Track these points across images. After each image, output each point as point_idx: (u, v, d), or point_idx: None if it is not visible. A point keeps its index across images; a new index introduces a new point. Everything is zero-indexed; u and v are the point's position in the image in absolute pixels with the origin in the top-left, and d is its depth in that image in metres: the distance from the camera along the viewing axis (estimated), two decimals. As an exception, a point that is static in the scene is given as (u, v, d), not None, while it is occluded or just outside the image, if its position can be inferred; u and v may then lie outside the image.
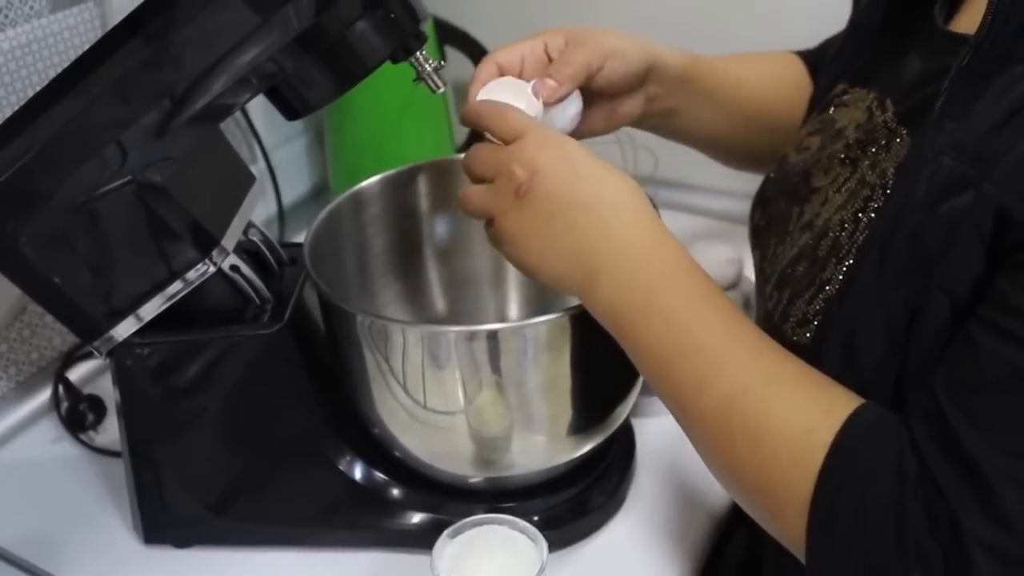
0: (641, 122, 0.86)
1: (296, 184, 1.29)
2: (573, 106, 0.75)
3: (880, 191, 0.63)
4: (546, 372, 0.71)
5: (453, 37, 1.22)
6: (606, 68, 0.77)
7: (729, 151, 0.95)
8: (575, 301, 0.86)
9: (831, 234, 0.66)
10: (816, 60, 0.94)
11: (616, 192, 0.64)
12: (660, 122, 0.87)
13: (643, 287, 0.62)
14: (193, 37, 0.66)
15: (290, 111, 0.71)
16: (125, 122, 0.68)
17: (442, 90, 0.74)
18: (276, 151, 1.20)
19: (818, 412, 0.56)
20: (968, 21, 0.66)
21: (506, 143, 0.67)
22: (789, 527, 0.56)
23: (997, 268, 0.52)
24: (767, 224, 0.78)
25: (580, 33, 0.78)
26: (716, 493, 0.85)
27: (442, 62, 0.74)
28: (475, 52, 1.23)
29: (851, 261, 0.63)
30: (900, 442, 0.54)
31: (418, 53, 0.72)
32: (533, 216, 0.64)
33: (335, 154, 1.24)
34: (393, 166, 1.20)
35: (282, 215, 1.17)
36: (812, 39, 0.95)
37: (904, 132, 0.64)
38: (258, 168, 1.18)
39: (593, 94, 0.79)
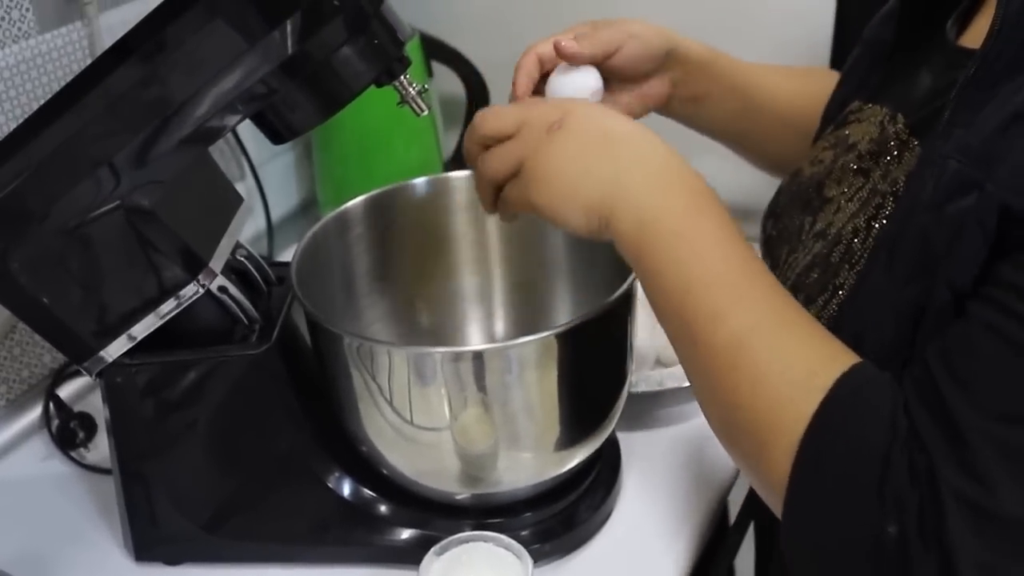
0: (670, 109, 0.89)
1: (284, 199, 1.29)
2: (592, 78, 0.78)
3: (891, 198, 0.65)
4: (531, 391, 0.72)
5: (440, 53, 1.23)
6: (625, 48, 0.82)
7: (758, 154, 0.97)
8: (560, 318, 0.87)
9: (844, 241, 0.67)
10: None
11: (643, 133, 0.67)
12: (688, 110, 0.90)
13: (677, 212, 0.63)
14: (182, 63, 0.67)
15: (276, 135, 0.72)
16: (115, 146, 0.69)
17: (425, 113, 0.75)
18: (264, 166, 1.21)
19: (822, 357, 0.58)
20: (978, 36, 0.67)
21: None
22: (773, 465, 0.58)
23: (998, 257, 0.54)
24: (779, 235, 0.79)
25: (604, 20, 0.83)
26: (702, 504, 0.86)
27: (426, 85, 0.75)
28: (462, 67, 1.24)
29: (861, 265, 0.65)
30: (896, 400, 0.56)
31: (402, 77, 0.73)
32: (565, 149, 0.65)
33: (323, 169, 1.25)
34: (381, 180, 1.20)
35: (271, 231, 1.18)
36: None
37: (915, 143, 0.67)
38: (246, 184, 1.19)
39: (620, 79, 0.84)
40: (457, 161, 1.31)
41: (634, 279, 0.75)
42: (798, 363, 0.58)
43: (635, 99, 0.86)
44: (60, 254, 0.71)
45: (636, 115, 0.85)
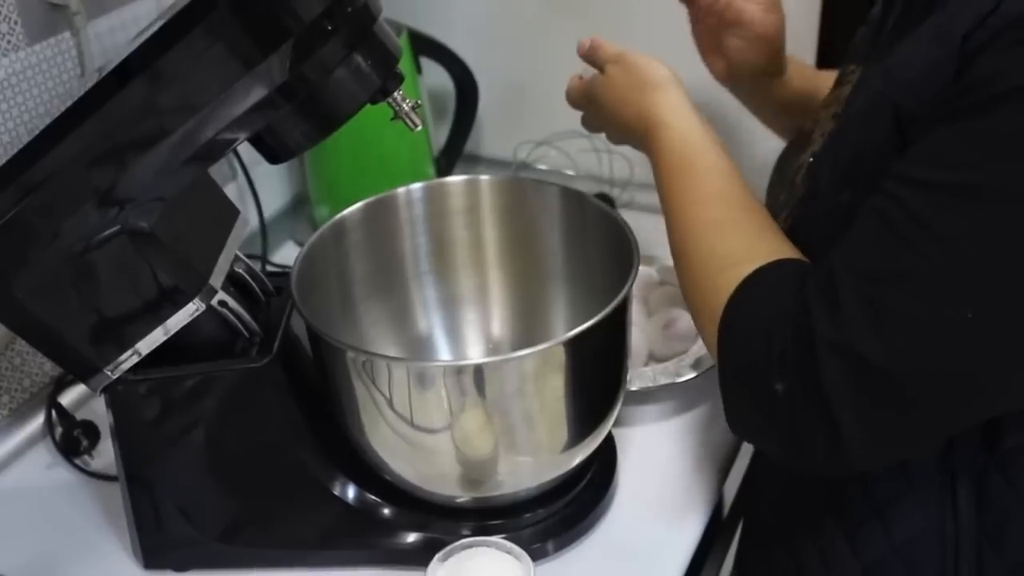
0: (739, 75, 0.97)
1: (276, 197, 1.30)
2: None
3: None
4: (531, 400, 0.74)
5: (428, 48, 1.23)
6: (735, 40, 0.93)
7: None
8: (558, 320, 0.87)
9: (804, 164, 0.77)
10: None
11: (669, 78, 0.82)
12: (757, 82, 0.98)
13: (695, 128, 0.77)
14: (180, 88, 0.67)
15: (273, 156, 0.73)
16: (115, 171, 0.69)
17: (419, 128, 0.76)
18: (256, 165, 1.21)
19: (741, 246, 0.70)
20: None
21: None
22: (703, 331, 0.70)
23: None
24: (779, 181, 0.88)
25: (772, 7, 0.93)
26: (698, 495, 0.88)
27: (419, 101, 0.76)
28: (449, 62, 1.24)
29: (802, 180, 0.75)
30: (798, 282, 0.64)
31: (396, 93, 0.74)
32: (617, 85, 0.84)
33: (314, 165, 1.26)
34: (372, 175, 1.22)
35: (264, 229, 1.18)
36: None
37: None
38: (238, 183, 1.20)
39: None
40: (447, 154, 1.31)
41: (631, 285, 0.76)
42: (716, 252, 0.70)
43: (738, 49, 0.94)
44: (61, 276, 0.72)
45: (731, 65, 0.96)
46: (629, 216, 1.26)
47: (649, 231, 1.21)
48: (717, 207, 0.73)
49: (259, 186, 1.19)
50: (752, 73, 0.95)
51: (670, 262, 1.09)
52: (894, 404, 0.59)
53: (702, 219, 0.73)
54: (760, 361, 0.63)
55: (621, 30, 1.23)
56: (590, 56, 0.89)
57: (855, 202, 0.63)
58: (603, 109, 0.86)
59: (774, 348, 0.62)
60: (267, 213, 1.22)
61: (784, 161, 0.91)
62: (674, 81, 0.81)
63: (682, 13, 1.19)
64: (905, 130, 0.62)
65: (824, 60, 1.13)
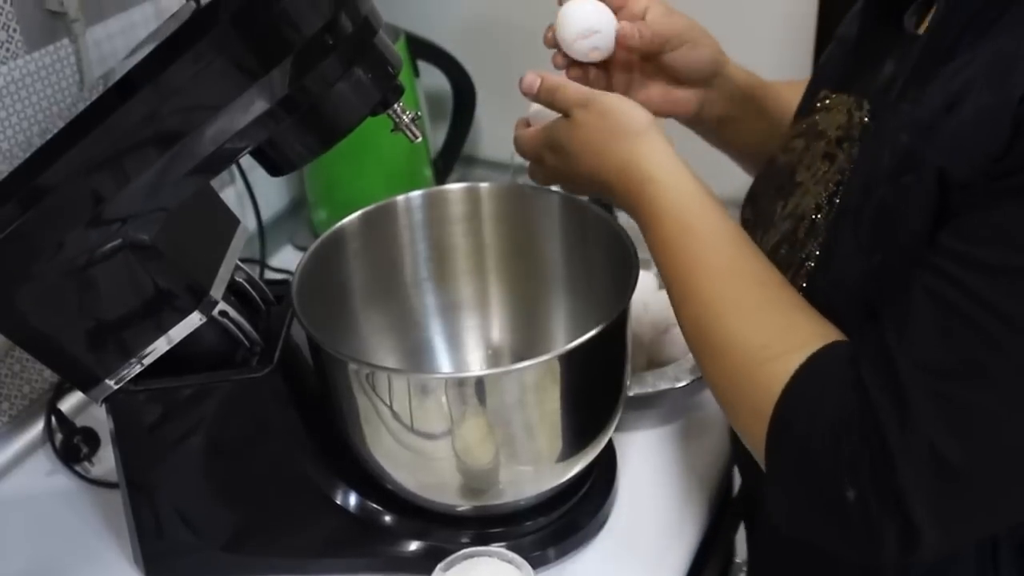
0: (693, 122, 0.91)
1: (274, 201, 1.30)
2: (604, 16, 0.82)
3: (848, 173, 0.70)
4: (532, 411, 0.74)
5: (425, 51, 1.23)
6: (680, 51, 0.85)
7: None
8: (558, 326, 0.86)
9: (807, 218, 0.72)
10: None
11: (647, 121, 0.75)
12: (711, 127, 0.92)
13: (689, 184, 0.72)
14: (183, 101, 0.67)
15: (274, 169, 0.73)
16: (117, 183, 0.69)
17: (419, 140, 0.76)
18: (254, 170, 1.21)
19: (776, 329, 0.64)
20: None
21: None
22: (743, 429, 0.66)
23: (939, 225, 0.58)
24: (754, 219, 0.83)
25: (668, 9, 0.85)
26: (697, 500, 0.89)
27: (418, 113, 0.76)
28: (447, 65, 1.24)
29: (823, 236, 0.70)
30: (853, 373, 0.59)
31: (396, 105, 0.74)
32: (590, 132, 0.76)
33: (312, 169, 1.26)
34: (370, 178, 1.22)
35: (262, 233, 1.19)
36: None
37: (875, 126, 0.70)
38: (236, 188, 1.20)
39: (657, 71, 0.87)
40: (444, 156, 1.31)
41: (631, 296, 0.77)
42: (749, 338, 0.65)
43: (661, 98, 0.88)
44: (63, 288, 0.72)
45: (656, 113, 0.85)
46: (628, 221, 1.27)
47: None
48: (735, 283, 0.68)
49: (257, 190, 1.19)
50: (699, 75, 0.88)
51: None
52: (974, 500, 0.57)
53: (720, 298, 0.67)
54: (826, 467, 0.59)
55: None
56: (548, 98, 0.80)
57: (887, 265, 0.61)
58: (570, 158, 0.77)
59: (842, 453, 0.58)
60: (265, 217, 1.22)
61: (762, 198, 0.83)
62: (655, 127, 0.75)
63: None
64: (951, 195, 0.58)
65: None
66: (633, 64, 0.87)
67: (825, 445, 0.58)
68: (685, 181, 0.71)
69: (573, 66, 0.85)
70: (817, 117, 0.78)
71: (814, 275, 0.69)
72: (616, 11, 0.83)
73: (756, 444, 0.63)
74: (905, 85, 0.65)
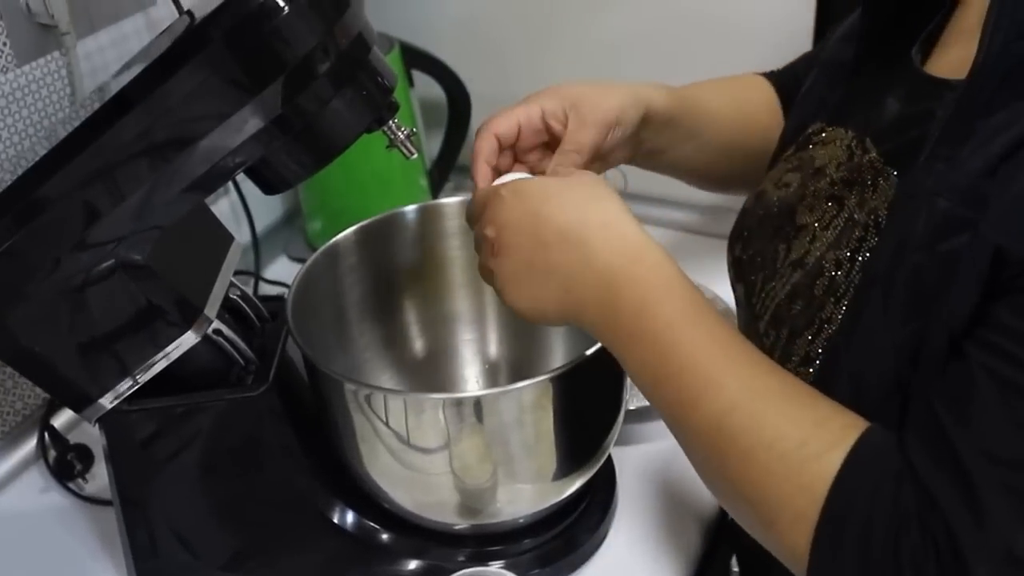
0: (629, 162, 0.88)
1: (269, 212, 1.29)
2: None
3: (873, 230, 0.66)
4: (530, 430, 0.73)
5: (419, 61, 1.23)
6: (608, 138, 0.79)
7: (706, 179, 0.97)
8: (555, 338, 0.85)
9: (827, 274, 0.68)
10: (784, 81, 0.95)
11: (582, 220, 0.66)
12: (642, 160, 0.89)
13: (628, 313, 0.63)
14: (176, 121, 0.66)
15: (269, 187, 0.72)
16: (111, 201, 0.68)
17: (415, 156, 0.75)
18: (247, 180, 1.20)
19: (808, 425, 0.58)
20: (945, 66, 0.69)
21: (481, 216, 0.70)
22: (782, 538, 0.58)
23: (993, 297, 0.54)
24: (749, 259, 0.79)
25: (580, 102, 0.78)
26: (696, 515, 0.88)
27: (414, 129, 0.75)
28: (441, 74, 1.24)
29: (849, 300, 0.65)
30: (900, 467, 0.55)
31: (391, 122, 0.73)
32: (513, 268, 0.67)
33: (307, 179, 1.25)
34: (364, 187, 1.22)
35: (256, 245, 1.18)
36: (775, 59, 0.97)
37: (893, 173, 0.67)
38: (230, 199, 1.19)
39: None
40: (439, 166, 1.31)
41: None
42: (785, 435, 0.58)
43: (601, 165, 0.84)
44: (55, 308, 0.71)
45: (600, 172, 0.84)
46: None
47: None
48: (760, 372, 0.61)
49: (251, 201, 1.18)
50: (627, 135, 0.82)
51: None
52: None
53: (749, 389, 0.60)
54: (886, 568, 0.54)
55: (610, 41, 1.23)
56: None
57: (922, 336, 0.57)
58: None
59: (903, 552, 0.53)
60: (259, 228, 1.21)
61: (758, 238, 0.78)
62: (600, 212, 0.67)
63: (673, 26, 1.20)
64: (1007, 270, 0.53)
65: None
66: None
67: (885, 545, 0.54)
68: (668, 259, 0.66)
69: None
70: (812, 151, 0.76)
71: (836, 340, 0.65)
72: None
73: (793, 549, 0.57)
74: (939, 140, 0.60)
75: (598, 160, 0.82)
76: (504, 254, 0.67)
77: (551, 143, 0.79)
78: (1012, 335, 0.53)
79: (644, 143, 0.85)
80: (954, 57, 0.67)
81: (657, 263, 0.65)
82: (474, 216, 0.71)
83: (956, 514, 0.52)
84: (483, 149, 0.76)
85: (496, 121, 0.76)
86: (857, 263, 0.66)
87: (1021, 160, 0.53)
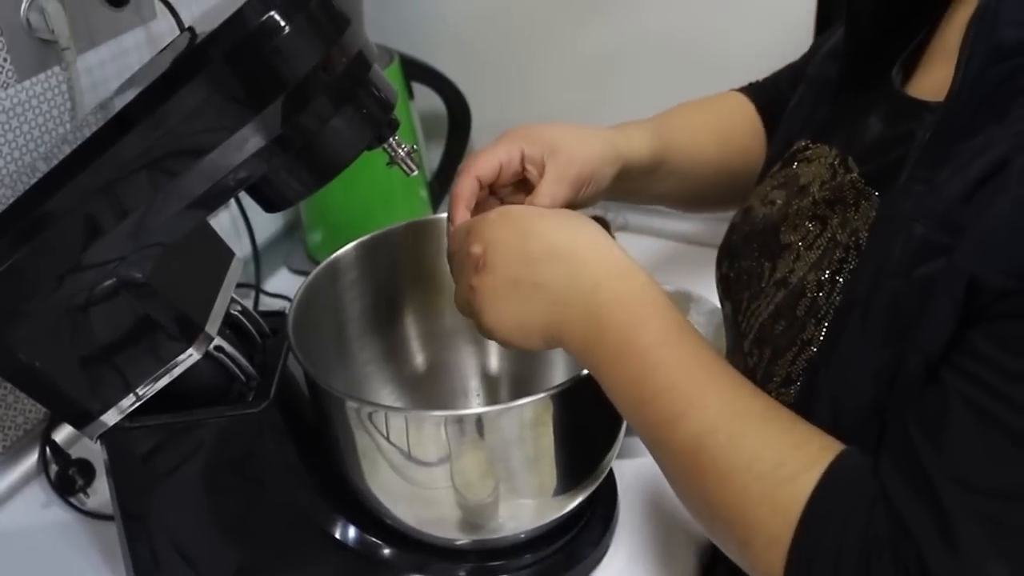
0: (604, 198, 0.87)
1: (269, 224, 1.29)
2: None
3: (854, 252, 0.66)
4: (531, 446, 0.74)
5: (419, 73, 1.23)
6: (583, 192, 0.79)
7: (690, 205, 0.98)
8: (556, 356, 0.85)
9: (808, 294, 0.68)
10: (766, 95, 0.96)
11: (570, 236, 0.67)
12: (624, 198, 0.90)
13: (614, 331, 0.64)
14: (177, 139, 0.66)
15: (270, 205, 0.72)
16: (113, 220, 0.68)
17: (415, 173, 0.75)
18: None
19: (786, 447, 0.58)
20: (926, 87, 0.68)
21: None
22: (757, 560, 0.59)
23: (968, 323, 0.54)
24: (736, 277, 0.79)
25: (556, 148, 0.78)
26: (699, 529, 0.87)
27: (414, 146, 0.75)
28: (441, 85, 1.24)
29: (829, 323, 0.65)
30: (875, 491, 0.55)
31: (391, 139, 0.73)
32: (497, 284, 0.67)
33: (306, 191, 1.25)
34: (365, 200, 1.22)
35: (257, 257, 1.18)
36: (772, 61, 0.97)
37: (874, 194, 0.67)
38: (230, 211, 1.19)
39: None
40: (440, 178, 1.31)
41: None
42: (762, 456, 0.58)
43: (573, 207, 0.82)
44: (56, 326, 0.71)
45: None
46: (624, 238, 1.27)
47: (645, 253, 1.21)
48: (740, 393, 0.61)
49: (252, 213, 1.18)
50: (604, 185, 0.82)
51: (666, 287, 1.09)
52: None
53: (730, 410, 0.60)
54: None
55: (608, 54, 1.23)
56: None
57: (900, 360, 0.57)
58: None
59: None
60: (260, 240, 1.21)
61: (744, 255, 0.78)
62: (586, 235, 0.68)
63: (673, 35, 1.20)
64: (982, 298, 0.53)
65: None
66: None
67: (856, 570, 0.54)
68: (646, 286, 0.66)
69: None
70: (797, 169, 0.76)
71: (816, 362, 0.65)
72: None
73: (768, 571, 0.57)
74: (916, 164, 0.60)
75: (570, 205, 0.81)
76: (490, 270, 0.67)
77: (525, 182, 0.79)
78: (988, 363, 0.53)
79: (621, 188, 0.85)
80: (935, 77, 0.67)
81: (644, 284, 0.65)
82: (457, 242, 0.71)
83: (928, 541, 0.52)
84: (464, 193, 0.76)
85: (478, 165, 0.76)
86: (838, 285, 0.66)
87: (997, 186, 0.53)
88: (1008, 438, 0.51)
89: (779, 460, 0.58)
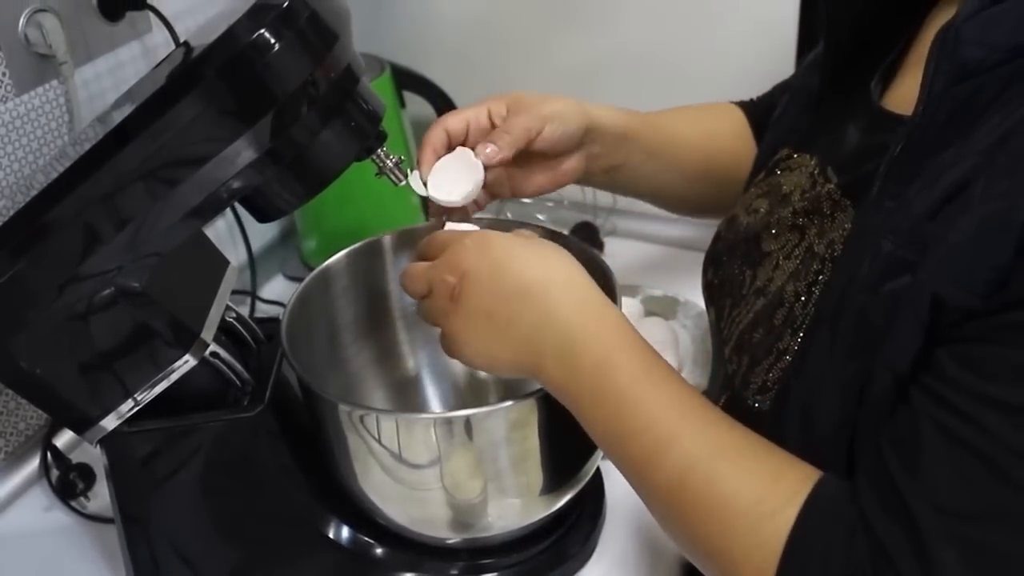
0: (586, 180, 0.91)
1: (265, 231, 1.31)
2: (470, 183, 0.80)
3: (828, 264, 0.67)
4: (519, 446, 0.76)
5: (410, 82, 1.25)
6: (545, 131, 0.83)
7: (677, 203, 0.99)
8: None
9: (786, 304, 0.69)
10: (760, 110, 0.97)
11: (545, 274, 0.67)
12: (604, 179, 0.92)
13: (589, 369, 0.65)
14: (172, 152, 0.68)
15: (262, 215, 0.74)
16: (110, 232, 0.70)
17: (403, 183, 0.77)
18: (243, 201, 1.23)
19: (766, 481, 0.59)
20: (901, 99, 0.70)
21: (436, 257, 0.72)
22: None
23: (936, 342, 0.55)
24: (720, 284, 0.81)
25: (520, 100, 0.84)
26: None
27: (402, 157, 0.77)
28: (432, 94, 1.26)
29: (803, 333, 0.66)
30: (853, 519, 0.56)
31: (380, 151, 0.75)
32: (471, 316, 0.68)
33: (301, 199, 1.27)
34: (359, 207, 1.24)
35: (252, 265, 1.20)
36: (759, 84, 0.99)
37: (849, 205, 0.68)
38: (226, 219, 1.21)
39: (536, 156, 0.85)
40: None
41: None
42: (742, 492, 0.59)
43: (548, 179, 0.87)
44: (54, 335, 0.73)
45: (553, 189, 0.87)
46: (613, 243, 1.29)
47: (633, 258, 1.23)
48: (719, 427, 0.62)
49: (247, 221, 1.20)
50: (573, 140, 0.86)
51: (654, 291, 1.13)
52: None
53: (709, 444, 0.61)
54: None
55: (600, 63, 1.26)
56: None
57: (866, 376, 0.57)
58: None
59: None
60: (256, 247, 1.23)
61: (727, 263, 0.80)
62: (561, 270, 0.69)
63: (659, 51, 1.22)
64: (947, 317, 0.53)
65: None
66: (507, 166, 0.85)
67: None
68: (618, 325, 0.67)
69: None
70: (779, 176, 0.77)
71: (789, 371, 0.66)
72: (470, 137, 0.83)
73: None
74: (886, 179, 0.61)
75: (549, 170, 0.86)
76: (463, 302, 0.68)
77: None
78: (956, 387, 0.53)
79: (599, 158, 0.88)
80: (910, 89, 0.67)
81: (617, 323, 0.66)
82: (429, 257, 0.73)
83: (906, 565, 0.53)
84: (432, 139, 0.82)
85: (447, 118, 0.83)
86: (813, 296, 0.67)
87: (961, 205, 0.54)
88: (978, 461, 0.52)
89: (759, 496, 0.59)
